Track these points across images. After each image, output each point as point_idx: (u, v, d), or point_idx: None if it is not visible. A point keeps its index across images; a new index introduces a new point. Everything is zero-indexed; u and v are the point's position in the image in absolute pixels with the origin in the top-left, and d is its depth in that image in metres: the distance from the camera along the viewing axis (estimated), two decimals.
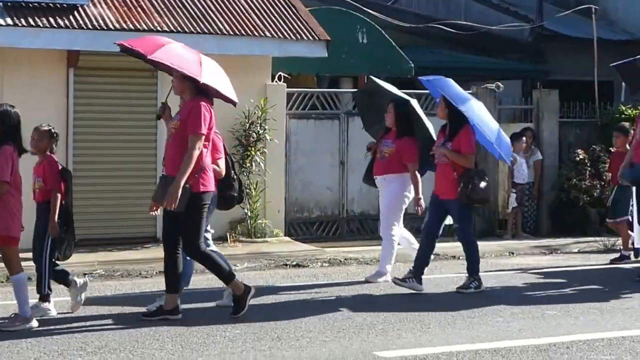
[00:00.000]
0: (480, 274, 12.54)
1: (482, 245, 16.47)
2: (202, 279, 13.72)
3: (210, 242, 11.25)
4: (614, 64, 14.70)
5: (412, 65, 21.29)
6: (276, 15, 17.70)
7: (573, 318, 10.77)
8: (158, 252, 15.69)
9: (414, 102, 13.28)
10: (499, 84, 20.35)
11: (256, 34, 17.16)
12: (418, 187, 13.08)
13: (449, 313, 10.98)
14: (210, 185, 10.39)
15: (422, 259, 12.43)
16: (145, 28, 16.33)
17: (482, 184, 12.04)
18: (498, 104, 20.19)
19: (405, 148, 12.90)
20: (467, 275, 12.54)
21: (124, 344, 9.21)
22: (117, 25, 16.20)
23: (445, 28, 24.43)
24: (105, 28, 16.08)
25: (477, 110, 12.37)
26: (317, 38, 17.61)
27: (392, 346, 9.12)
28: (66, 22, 15.86)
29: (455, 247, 16.32)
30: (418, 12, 27.33)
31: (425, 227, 12.64)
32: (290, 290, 12.64)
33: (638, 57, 13.43)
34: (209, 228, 11.19)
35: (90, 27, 15.97)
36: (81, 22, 16.00)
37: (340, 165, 18.55)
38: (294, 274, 14.01)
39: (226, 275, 10.61)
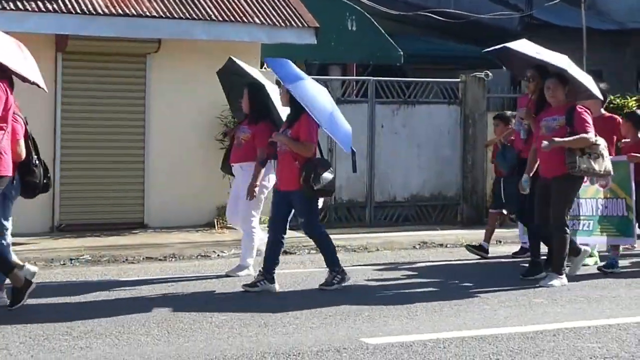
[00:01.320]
0: (440, 263, 12.42)
1: (470, 234, 16.55)
2: (188, 265, 13.73)
3: (9, 232, 10.51)
4: (485, 50, 14.29)
5: (402, 53, 21.32)
6: (265, 1, 17.67)
7: (560, 306, 10.76)
8: (145, 237, 15.80)
9: (271, 87, 12.57)
10: (488, 72, 20.33)
11: (245, 20, 17.12)
12: (258, 174, 12.29)
13: (436, 300, 10.96)
14: (5, 169, 9.86)
15: (272, 258, 11.69)
16: (134, 13, 16.30)
17: (326, 174, 11.36)
18: (487, 92, 20.13)
19: (259, 134, 12.20)
20: (328, 270, 11.73)
21: (109, 329, 9.18)
22: (106, 10, 16.13)
23: (435, 16, 24.47)
24: (94, 13, 16.01)
25: (312, 94, 11.36)
26: (306, 25, 17.57)
27: (379, 333, 9.10)
28: (55, 6, 15.80)
29: (444, 234, 16.39)
30: (408, 0, 27.31)
31: (270, 224, 11.90)
32: (277, 277, 12.60)
33: (507, 44, 13.00)
34: (9, 217, 10.54)
35: (79, 11, 15.90)
36: (70, 6, 15.93)
37: (329, 152, 18.47)
38: (281, 261, 13.92)
39: (8, 266, 10.10)
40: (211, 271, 13.08)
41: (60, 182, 16.13)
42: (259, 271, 11.66)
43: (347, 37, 20.82)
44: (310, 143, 11.33)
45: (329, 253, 11.70)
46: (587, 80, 12.34)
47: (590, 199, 12.97)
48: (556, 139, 11.46)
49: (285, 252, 14.73)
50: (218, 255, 14.53)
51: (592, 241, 13.17)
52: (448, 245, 15.92)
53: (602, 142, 11.86)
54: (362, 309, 10.43)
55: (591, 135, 11.67)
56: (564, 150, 11.53)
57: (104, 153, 16.53)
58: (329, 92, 18.75)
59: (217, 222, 16.79)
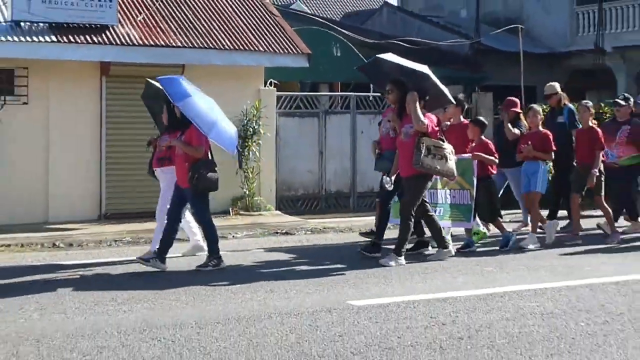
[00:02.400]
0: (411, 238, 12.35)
1: None
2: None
3: None
4: (357, 67, 14.02)
5: None
6: (268, 34, 17.67)
7: (505, 273, 10.76)
8: None
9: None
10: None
11: (252, 48, 17.13)
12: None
13: (407, 270, 10.95)
14: None
15: (166, 242, 11.09)
16: (163, 44, 16.33)
17: (210, 174, 10.93)
18: None
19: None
20: (207, 254, 11.24)
21: (147, 296, 9.15)
22: (141, 42, 16.16)
23: (402, 44, 24.42)
24: (131, 44, 16.02)
25: (197, 109, 10.87)
26: (300, 52, 17.60)
27: (362, 296, 9.08)
28: (99, 39, 15.78)
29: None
30: (381, 32, 27.29)
31: (168, 212, 11.30)
32: (280, 252, 12.58)
33: (377, 56, 12.75)
34: None
35: (119, 43, 15.91)
36: (112, 39, 15.93)
37: (320, 154, 18.50)
38: (282, 240, 13.94)
39: None
40: (227, 249, 13.04)
41: (106, 179, 16.10)
42: (154, 250, 11.15)
43: (333, 61, 20.84)
44: (200, 146, 10.92)
45: (210, 241, 11.21)
46: (444, 88, 12.19)
47: (442, 189, 12.68)
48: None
49: (286, 233, 14.74)
50: (233, 236, 14.48)
51: (441, 225, 12.43)
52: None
53: (448, 147, 11.56)
54: (348, 277, 10.43)
55: (423, 127, 11.27)
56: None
57: (141, 155, 16.41)
58: (318, 105, 18.92)
59: (231, 209, 16.75)
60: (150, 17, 16.93)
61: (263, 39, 17.47)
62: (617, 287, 9.65)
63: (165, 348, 6.98)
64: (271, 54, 17.23)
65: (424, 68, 12.19)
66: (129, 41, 16.08)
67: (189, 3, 17.79)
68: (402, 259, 11.35)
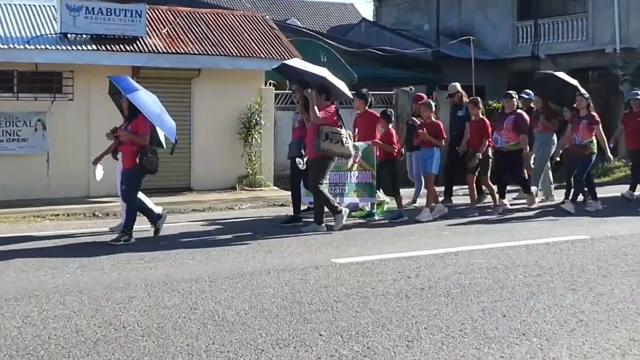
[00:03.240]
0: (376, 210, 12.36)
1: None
2: (220, 214, 13.63)
3: None
4: (272, 68, 13.50)
5: (356, 76, 21.20)
6: (267, 43, 17.57)
7: (459, 236, 10.74)
8: (191, 197, 15.65)
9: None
10: (412, 87, 20.28)
11: (254, 55, 17.04)
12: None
13: (380, 234, 10.93)
14: None
15: (146, 211, 10.79)
16: (183, 52, 16.21)
17: (153, 158, 10.35)
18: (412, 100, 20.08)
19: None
20: (120, 230, 10.45)
21: (168, 256, 9.11)
22: (164, 50, 16.07)
23: (377, 52, 24.37)
24: (157, 52, 15.94)
25: (143, 100, 10.37)
26: (293, 58, 17.47)
27: (343, 255, 9.05)
28: (131, 47, 15.67)
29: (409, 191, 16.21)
30: (359, 42, 27.17)
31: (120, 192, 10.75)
32: (277, 220, 12.53)
33: (282, 62, 12.97)
34: None
35: (147, 51, 15.83)
36: (141, 48, 15.83)
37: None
38: (280, 211, 13.87)
39: None
40: (234, 217, 13.00)
41: None
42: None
43: (320, 65, 20.62)
44: (145, 134, 10.33)
45: (130, 218, 10.30)
46: (342, 85, 11.90)
47: (346, 171, 12.33)
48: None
49: (282, 205, 14.66)
50: (239, 207, 14.42)
51: (347, 201, 12.38)
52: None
53: (344, 132, 11.19)
54: (331, 240, 10.39)
55: (319, 120, 10.95)
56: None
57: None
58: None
59: (237, 186, 16.69)
60: (173, 30, 16.81)
61: (264, 47, 17.37)
62: (547, 247, 9.64)
63: (184, 298, 6.95)
64: (270, 60, 17.09)
65: (321, 70, 11.92)
66: (155, 49, 15.99)
67: (204, 19, 17.69)
68: (322, 226, 11.14)
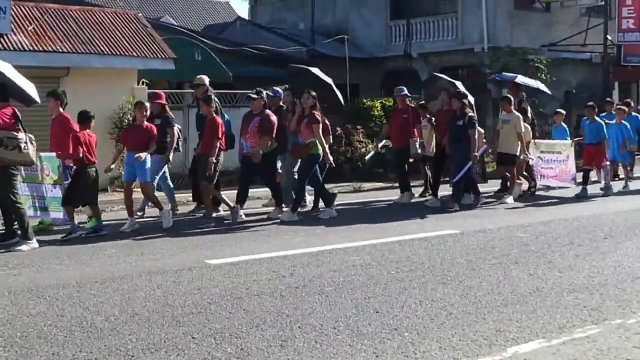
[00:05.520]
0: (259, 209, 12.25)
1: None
2: None
3: None
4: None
5: (231, 74, 21.08)
6: (140, 41, 17.21)
7: (334, 234, 10.80)
8: None
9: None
10: (287, 86, 20.18)
11: (127, 54, 16.66)
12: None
13: (254, 234, 10.89)
14: None
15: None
16: (51, 50, 15.70)
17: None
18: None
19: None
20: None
21: (34, 261, 8.78)
22: (31, 48, 15.46)
23: (252, 50, 24.30)
24: (23, 49, 15.33)
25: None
26: (167, 57, 17.25)
27: (217, 256, 8.95)
28: None
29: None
30: (235, 40, 27.00)
31: None
32: (149, 222, 12.23)
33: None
34: None
35: (12, 48, 15.21)
36: (6, 45, 15.22)
37: (184, 140, 18.14)
38: (152, 212, 13.52)
39: None
40: (105, 220, 12.62)
41: None
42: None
43: (195, 64, 20.38)
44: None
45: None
46: (27, 85, 10.35)
47: (43, 184, 11.58)
48: None
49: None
50: (110, 209, 13.99)
51: (52, 215, 11.57)
52: (261, 198, 15.73)
53: (24, 137, 9.68)
54: (205, 241, 10.29)
55: None
56: None
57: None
58: (183, 101, 18.62)
59: (109, 187, 16.13)
60: (40, 27, 16.19)
61: (136, 46, 17.00)
62: (420, 242, 9.84)
63: (50, 304, 6.69)
64: (143, 58, 16.80)
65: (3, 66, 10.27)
66: (21, 47, 15.36)
67: (73, 15, 17.11)
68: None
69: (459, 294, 7.01)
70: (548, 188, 16.14)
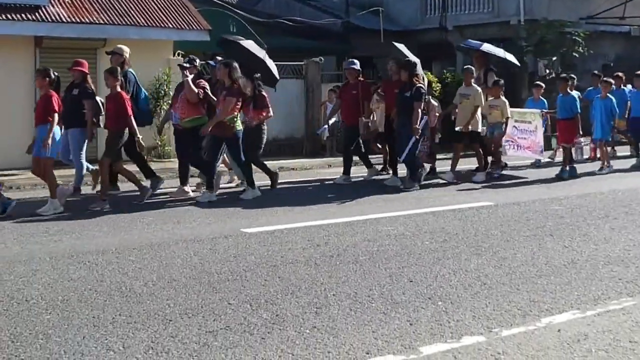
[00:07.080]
0: (292, 181, 12.21)
1: (311, 162, 16.48)
2: None
3: None
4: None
5: (266, 46, 21.03)
6: (176, 13, 17.27)
7: (367, 205, 10.82)
8: None
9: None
10: (321, 58, 20.25)
11: (162, 25, 16.74)
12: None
13: (289, 205, 10.92)
14: None
15: None
16: (88, 21, 15.78)
17: None
18: (322, 70, 20.11)
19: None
20: None
21: (75, 228, 8.91)
22: (69, 19, 15.57)
23: (287, 22, 24.25)
24: (61, 21, 15.43)
25: None
26: (202, 28, 17.30)
27: (253, 225, 9.03)
28: (33, 16, 15.16)
29: (294, 162, 16.27)
30: (269, 12, 26.96)
31: None
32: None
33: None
34: None
35: (50, 20, 15.31)
36: (44, 16, 15.31)
37: None
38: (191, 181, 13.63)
39: None
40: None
41: None
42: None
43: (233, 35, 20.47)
44: None
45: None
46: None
47: None
48: None
49: (192, 176, 14.45)
50: None
51: None
52: (297, 169, 15.86)
53: None
54: (241, 210, 10.36)
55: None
56: None
57: None
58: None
59: (146, 157, 16.14)
60: None
61: (172, 17, 17.07)
62: (453, 213, 9.83)
63: (90, 270, 6.82)
64: (178, 30, 16.86)
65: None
66: (59, 19, 15.48)
67: None
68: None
69: (493, 265, 7.02)
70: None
